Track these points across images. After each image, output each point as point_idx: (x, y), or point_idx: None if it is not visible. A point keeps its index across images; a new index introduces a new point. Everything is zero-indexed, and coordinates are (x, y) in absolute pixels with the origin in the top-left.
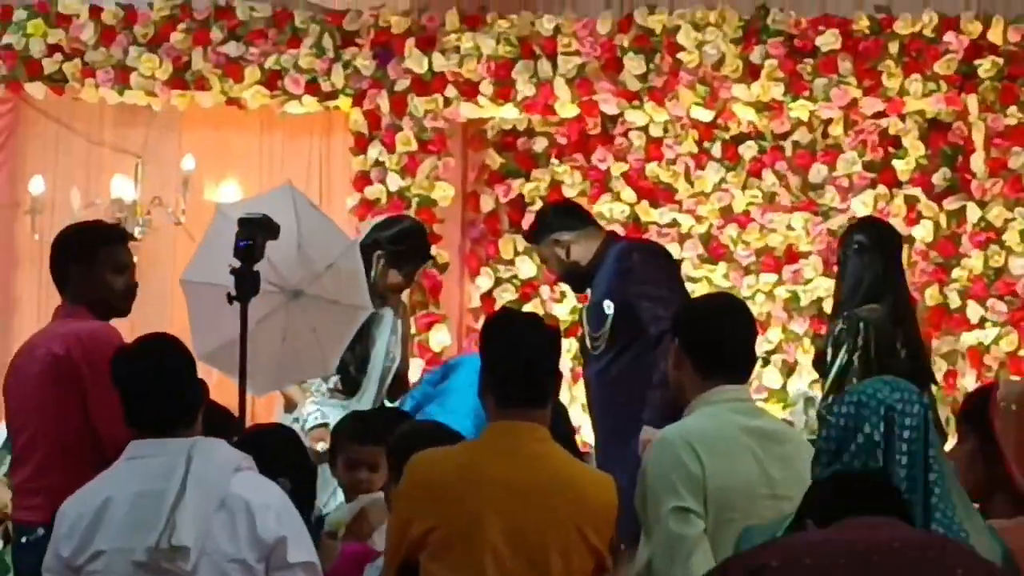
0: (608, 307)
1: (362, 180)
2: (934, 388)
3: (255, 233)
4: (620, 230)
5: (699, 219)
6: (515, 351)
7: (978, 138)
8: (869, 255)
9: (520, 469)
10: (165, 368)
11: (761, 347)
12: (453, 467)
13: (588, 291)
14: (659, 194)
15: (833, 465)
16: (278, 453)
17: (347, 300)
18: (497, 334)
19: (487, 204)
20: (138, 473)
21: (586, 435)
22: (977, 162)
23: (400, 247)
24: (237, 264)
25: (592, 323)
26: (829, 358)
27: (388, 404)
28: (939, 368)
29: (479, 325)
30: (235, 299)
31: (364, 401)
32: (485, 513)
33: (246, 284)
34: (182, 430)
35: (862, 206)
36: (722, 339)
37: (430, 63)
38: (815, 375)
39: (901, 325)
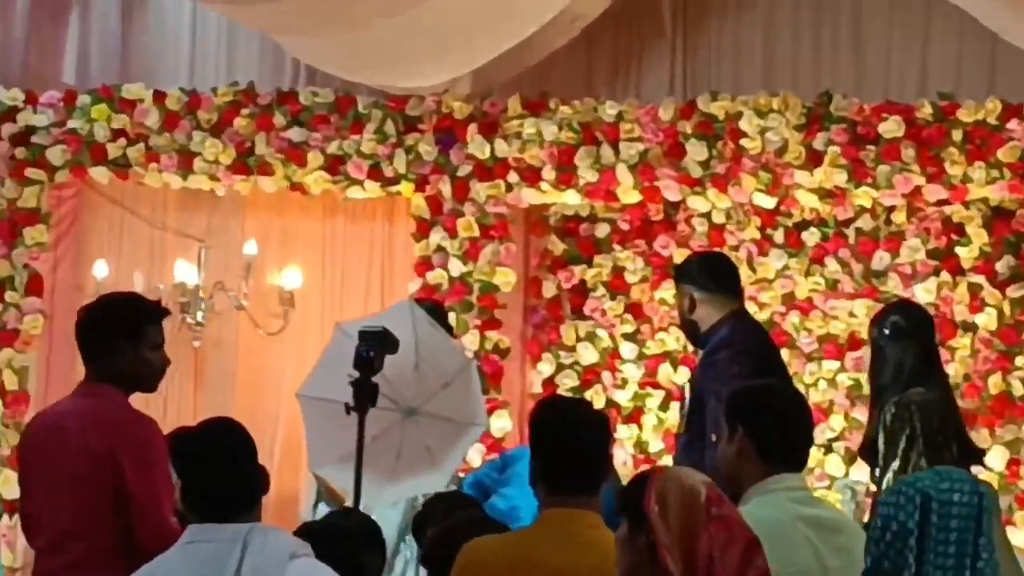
0: (686, 390)
1: (424, 265)
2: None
3: (375, 346)
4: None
5: (761, 306)
6: (568, 439)
7: None
8: (907, 339)
9: (575, 556)
10: (228, 453)
11: (823, 435)
12: (508, 555)
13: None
14: None
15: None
16: (359, 543)
17: (460, 417)
18: (549, 422)
19: (549, 290)
20: (194, 559)
21: None
22: None
23: None
24: (356, 375)
25: (683, 400)
26: (882, 446)
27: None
28: (1002, 456)
29: None
30: (353, 410)
31: None
32: None
33: (364, 395)
34: (242, 516)
35: (925, 293)
36: (787, 426)
37: (492, 149)
38: None
39: (949, 407)
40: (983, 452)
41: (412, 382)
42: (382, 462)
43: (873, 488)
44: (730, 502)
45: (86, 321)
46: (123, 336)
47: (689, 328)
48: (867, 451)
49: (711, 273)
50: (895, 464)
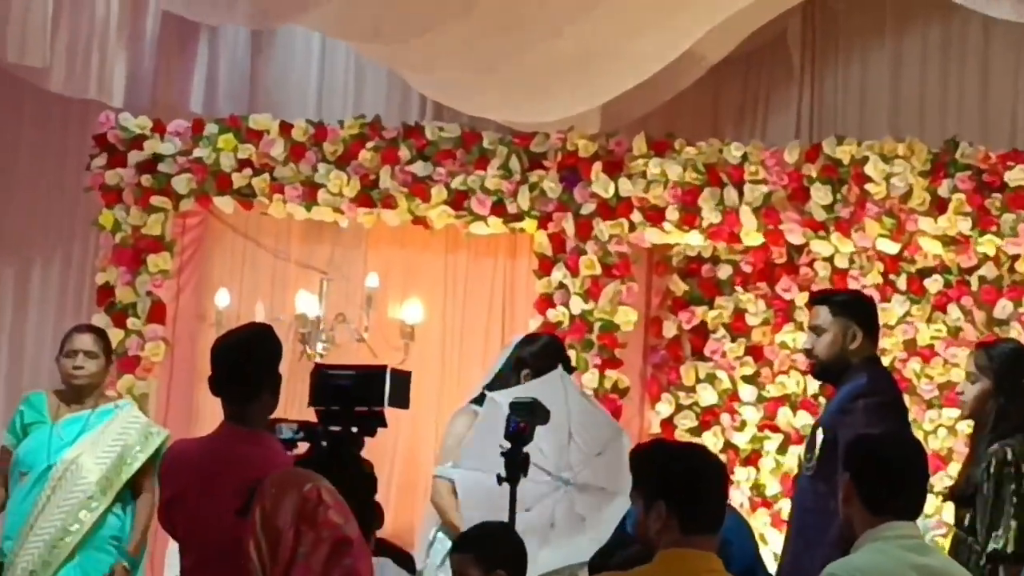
0: (819, 436)
1: (545, 302)
2: None
3: (526, 416)
4: (802, 361)
5: (883, 352)
6: (700, 481)
7: None
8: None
9: None
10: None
11: (942, 482)
12: None
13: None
14: None
15: None
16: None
17: (613, 487)
18: (677, 465)
19: (669, 330)
20: None
21: None
22: None
23: (545, 362)
24: (507, 446)
25: (808, 442)
26: (989, 492)
27: None
28: None
29: None
30: (504, 480)
31: None
32: None
33: (516, 465)
34: None
35: None
36: (895, 476)
37: (616, 188)
38: None
39: None
40: None
41: (566, 453)
42: (536, 531)
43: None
44: (339, 506)
45: (251, 353)
46: (274, 374)
47: (833, 362)
48: (965, 494)
49: (873, 316)
50: (1010, 513)
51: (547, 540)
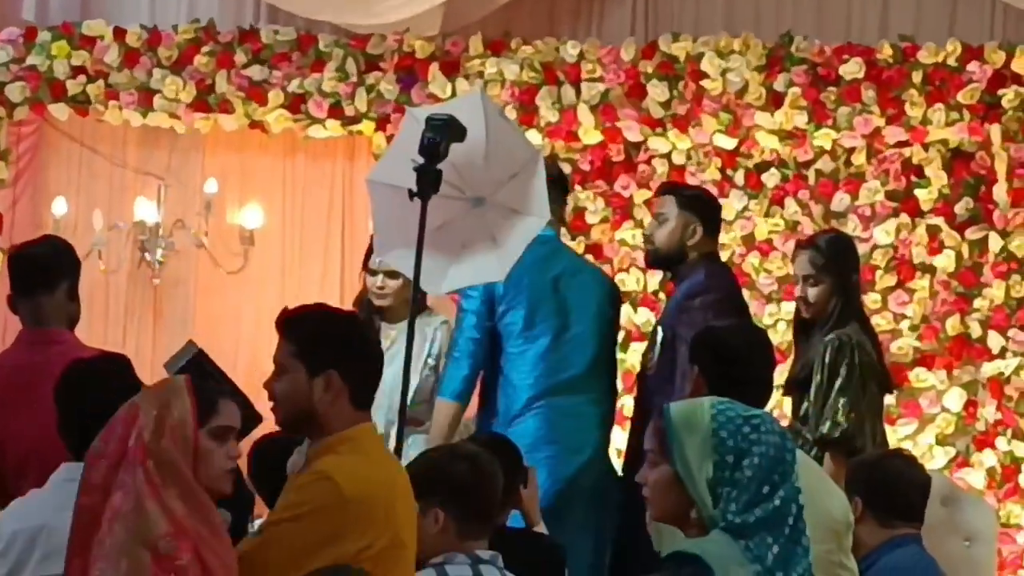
0: (659, 334)
1: None
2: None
3: (440, 132)
4: (642, 259)
5: (722, 247)
6: (372, 345)
7: (1000, 168)
8: (855, 271)
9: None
10: (113, 391)
11: (782, 376)
12: (379, 480)
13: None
14: None
15: None
16: None
17: (526, 210)
18: (351, 332)
19: None
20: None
21: None
22: (1000, 192)
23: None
24: (421, 161)
25: (650, 340)
26: (823, 381)
27: None
28: (959, 398)
29: None
30: (416, 195)
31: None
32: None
33: (427, 181)
34: None
35: (884, 235)
36: (742, 365)
37: (454, 88)
38: None
39: (877, 344)
40: (894, 385)
41: (482, 172)
42: (447, 249)
43: None
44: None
45: (46, 260)
46: (71, 276)
47: (669, 252)
48: (798, 383)
49: (717, 217)
50: (838, 399)
51: (458, 259)
